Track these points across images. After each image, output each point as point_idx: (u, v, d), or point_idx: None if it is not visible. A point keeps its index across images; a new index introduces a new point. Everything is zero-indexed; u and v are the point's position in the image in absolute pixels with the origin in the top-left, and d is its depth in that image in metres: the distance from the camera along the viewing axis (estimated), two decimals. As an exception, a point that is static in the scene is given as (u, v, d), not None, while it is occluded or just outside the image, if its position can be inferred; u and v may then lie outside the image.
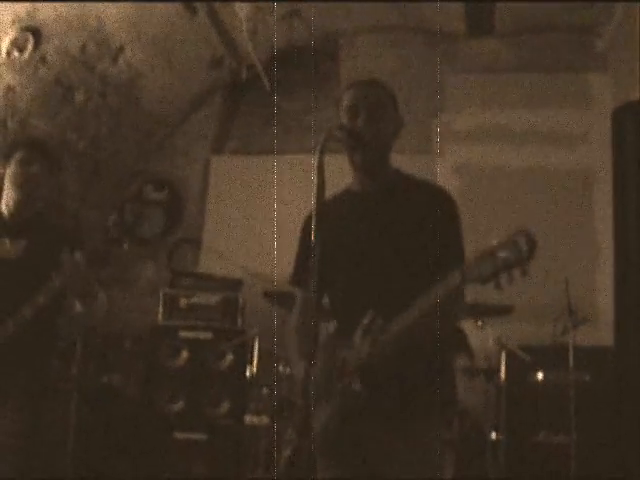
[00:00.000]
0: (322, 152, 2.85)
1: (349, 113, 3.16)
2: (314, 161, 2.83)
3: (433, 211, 3.06)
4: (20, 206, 4.18)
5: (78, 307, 4.04)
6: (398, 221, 3.10)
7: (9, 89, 6.41)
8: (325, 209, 2.92)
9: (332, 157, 2.96)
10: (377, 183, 3.20)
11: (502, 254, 2.58)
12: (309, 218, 3.05)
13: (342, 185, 3.32)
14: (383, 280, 2.90)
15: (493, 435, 5.84)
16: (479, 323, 5.95)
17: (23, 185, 4.14)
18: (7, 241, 4.13)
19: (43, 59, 6.45)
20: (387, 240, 3.08)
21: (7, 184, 4.19)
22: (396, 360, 2.94)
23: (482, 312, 5.76)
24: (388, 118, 3.19)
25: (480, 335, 6.02)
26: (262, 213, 7.55)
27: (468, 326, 5.81)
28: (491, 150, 7.31)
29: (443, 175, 6.99)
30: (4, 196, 4.23)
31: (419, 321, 2.83)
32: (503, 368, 5.96)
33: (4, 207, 4.22)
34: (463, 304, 3.11)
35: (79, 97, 6.89)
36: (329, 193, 3.01)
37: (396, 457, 3.00)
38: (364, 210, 3.19)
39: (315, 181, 2.82)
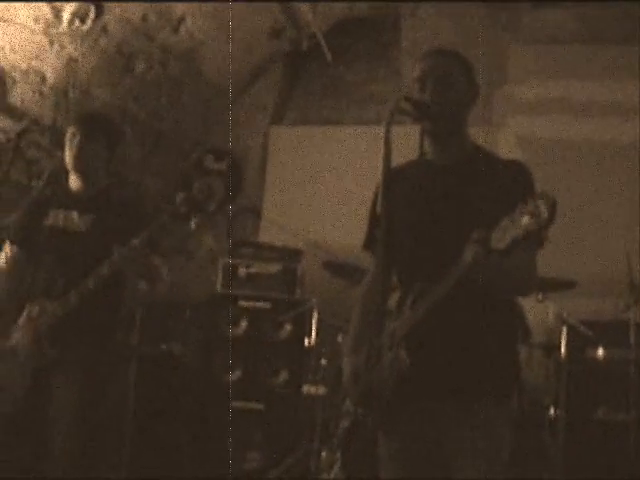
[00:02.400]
0: (389, 124, 2.84)
1: (418, 84, 3.13)
2: (381, 132, 2.84)
3: (510, 185, 3.03)
4: (81, 181, 4.22)
5: (142, 284, 4.09)
6: (472, 194, 3.07)
7: (71, 59, 6.44)
8: (396, 179, 2.95)
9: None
10: (451, 154, 3.18)
11: (524, 219, 2.56)
12: (385, 187, 3.03)
13: (408, 156, 3.30)
14: (451, 253, 2.86)
15: (552, 411, 5.79)
16: (539, 297, 5.88)
17: (81, 162, 4.18)
18: (76, 215, 4.18)
19: (104, 29, 6.46)
20: (459, 212, 3.06)
21: (67, 162, 4.24)
22: (454, 333, 2.97)
23: (543, 286, 5.71)
24: (460, 89, 3.14)
25: (540, 309, 5.95)
26: (321, 183, 7.53)
27: (528, 300, 5.75)
28: (554, 122, 7.19)
29: (505, 147, 6.91)
30: (70, 172, 4.29)
31: (459, 290, 2.83)
32: (563, 343, 5.89)
33: (71, 182, 4.27)
34: (535, 275, 3.11)
35: (140, 67, 6.90)
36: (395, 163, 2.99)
37: (456, 433, 3.00)
38: (437, 181, 3.17)
39: (382, 152, 2.83)
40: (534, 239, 2.64)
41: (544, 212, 2.53)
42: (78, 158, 4.17)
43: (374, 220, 3.33)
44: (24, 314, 4.10)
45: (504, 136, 7.16)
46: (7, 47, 6.19)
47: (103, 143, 4.23)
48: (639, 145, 6.99)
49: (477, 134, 3.28)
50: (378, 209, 2.93)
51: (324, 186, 7.48)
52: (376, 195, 3.28)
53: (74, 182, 4.25)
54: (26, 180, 6.38)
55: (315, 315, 6.38)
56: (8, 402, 4.04)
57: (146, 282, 4.11)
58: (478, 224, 2.80)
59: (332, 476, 5.64)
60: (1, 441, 4.09)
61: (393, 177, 2.92)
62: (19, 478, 4.04)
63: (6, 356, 4.07)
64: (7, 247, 4.32)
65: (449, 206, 3.10)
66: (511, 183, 3.04)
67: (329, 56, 7.72)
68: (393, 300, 3.22)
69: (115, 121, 4.66)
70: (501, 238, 2.63)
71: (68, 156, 4.20)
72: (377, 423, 3.02)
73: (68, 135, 4.21)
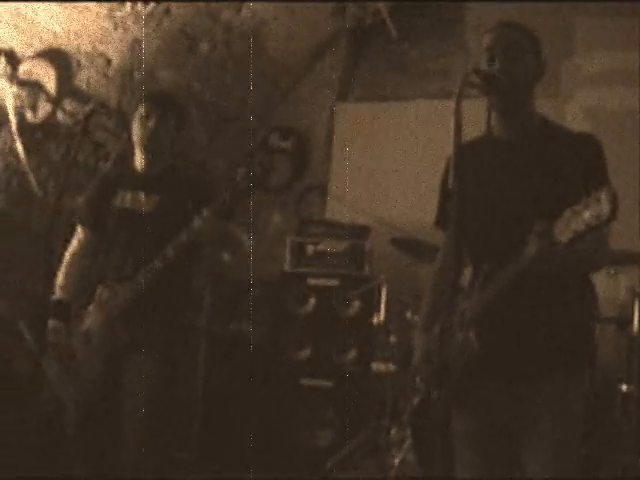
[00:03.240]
0: (460, 96, 2.81)
1: (486, 57, 3.10)
2: (447, 106, 2.83)
3: (581, 159, 3.00)
4: (148, 162, 4.24)
5: (225, 256, 4.11)
6: (542, 169, 3.04)
7: (135, 41, 6.48)
8: (465, 155, 2.91)
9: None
10: (519, 129, 3.14)
11: (586, 214, 2.52)
12: (449, 162, 3.02)
13: (472, 131, 3.25)
14: (521, 229, 2.83)
15: (624, 387, 5.70)
16: (611, 271, 5.77)
17: (146, 140, 4.20)
18: (142, 195, 4.20)
19: (167, 10, 6.49)
20: (529, 188, 3.04)
21: (135, 140, 4.26)
22: (524, 313, 2.96)
23: (615, 260, 5.62)
24: (528, 62, 3.11)
25: (612, 284, 5.86)
26: (388, 159, 7.49)
27: (599, 274, 5.66)
28: (621, 93, 7.05)
29: (572, 119, 6.80)
30: (135, 151, 4.31)
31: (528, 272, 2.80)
32: (636, 318, 5.79)
33: (137, 163, 4.29)
34: (607, 250, 3.08)
35: (204, 47, 6.92)
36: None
37: (528, 412, 3.00)
38: (505, 158, 3.15)
39: (453, 126, 2.80)
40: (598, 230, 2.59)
41: (606, 209, 2.48)
42: (151, 138, 4.17)
43: (445, 196, 3.32)
44: (95, 298, 4.13)
45: (571, 108, 7.04)
46: (72, 31, 6.25)
47: (172, 123, 4.24)
48: None
49: (544, 107, 3.24)
50: (449, 184, 2.89)
51: (390, 162, 7.44)
52: (446, 170, 3.27)
53: (139, 162, 4.27)
54: (93, 162, 6.46)
55: (384, 292, 6.35)
56: (83, 385, 4.08)
57: (227, 252, 4.13)
58: (549, 201, 2.80)
59: (402, 453, 5.64)
60: (77, 423, 4.12)
61: (462, 153, 2.87)
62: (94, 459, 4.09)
63: (80, 340, 4.10)
64: (79, 230, 4.35)
65: (518, 183, 3.08)
66: (582, 156, 3.01)
67: (394, 32, 7.66)
68: (465, 278, 3.21)
69: (181, 101, 4.66)
70: (564, 231, 2.60)
71: (139, 135, 4.20)
72: (448, 401, 3.00)
73: (138, 114, 4.22)
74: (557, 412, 2.97)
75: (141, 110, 4.21)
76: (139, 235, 4.11)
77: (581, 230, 2.54)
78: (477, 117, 3.19)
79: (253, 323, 6.69)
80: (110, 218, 4.22)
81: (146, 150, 4.20)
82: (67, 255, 4.30)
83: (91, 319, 4.11)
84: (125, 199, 4.23)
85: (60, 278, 4.24)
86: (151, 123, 4.16)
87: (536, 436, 2.97)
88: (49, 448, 4.27)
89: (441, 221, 3.40)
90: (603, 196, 2.48)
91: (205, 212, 3.86)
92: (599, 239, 2.93)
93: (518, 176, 3.08)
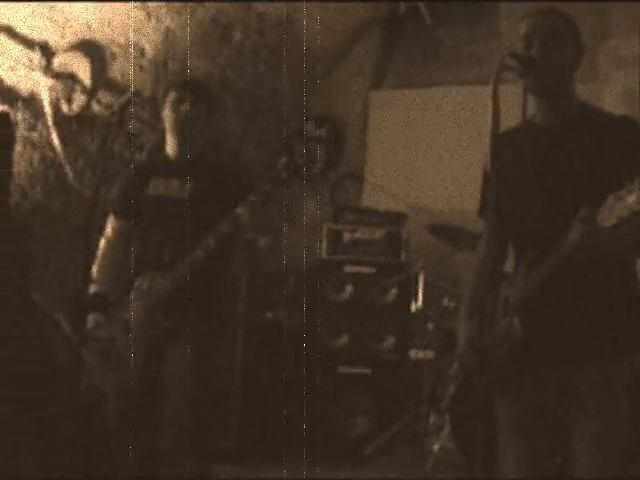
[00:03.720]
0: (497, 81, 2.78)
1: (524, 42, 3.07)
2: (482, 92, 2.80)
3: (622, 143, 2.96)
4: (180, 147, 4.24)
5: (262, 241, 4.11)
6: (583, 153, 3.01)
7: (168, 31, 6.49)
8: (504, 142, 2.90)
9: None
10: (557, 114, 3.11)
11: (630, 199, 2.50)
12: (494, 146, 2.99)
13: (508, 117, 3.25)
14: (564, 215, 2.82)
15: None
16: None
17: (177, 126, 4.20)
18: (176, 182, 4.20)
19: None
20: (570, 173, 3.01)
21: (166, 126, 4.26)
22: (568, 299, 2.94)
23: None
24: (566, 47, 3.08)
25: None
26: (423, 146, 7.47)
27: None
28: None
29: (610, 103, 6.73)
30: (167, 139, 4.31)
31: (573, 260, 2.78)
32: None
33: (169, 149, 4.29)
34: None
35: (237, 36, 6.92)
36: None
37: (573, 397, 2.98)
38: (545, 141, 3.11)
39: (486, 111, 2.77)
40: None
41: None
42: (184, 122, 4.18)
43: (487, 184, 3.30)
44: (135, 287, 4.14)
45: (609, 92, 6.97)
46: (105, 22, 6.27)
47: (204, 109, 4.24)
48: None
49: (582, 91, 3.21)
50: (487, 171, 2.88)
51: (426, 149, 7.41)
52: (487, 157, 3.25)
53: (171, 148, 4.27)
54: (129, 153, 6.47)
55: (421, 279, 6.34)
56: (123, 374, 4.10)
57: (269, 237, 4.13)
58: (591, 186, 2.77)
59: (441, 440, 5.64)
60: (117, 413, 4.16)
61: (502, 139, 2.85)
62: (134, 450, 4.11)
63: (119, 329, 4.12)
64: (112, 220, 4.36)
65: (559, 169, 3.05)
66: (623, 140, 2.97)
67: (428, 19, 7.62)
68: (509, 265, 3.20)
69: (212, 89, 4.66)
70: (607, 217, 2.58)
71: (171, 119, 4.21)
72: (491, 388, 2.99)
73: (169, 99, 4.22)
74: (601, 399, 2.95)
75: (172, 95, 4.22)
76: (175, 222, 4.11)
77: (625, 216, 2.52)
78: (512, 103, 3.17)
79: (290, 311, 6.69)
80: (144, 207, 4.23)
81: (178, 135, 4.20)
82: (101, 246, 4.31)
83: (131, 309, 4.12)
84: (158, 186, 4.23)
85: (95, 269, 4.25)
86: (183, 107, 4.17)
87: (581, 424, 2.96)
88: (89, 440, 4.29)
89: (484, 209, 3.38)
90: None
91: (249, 199, 3.87)
92: None
93: (559, 161, 3.06)
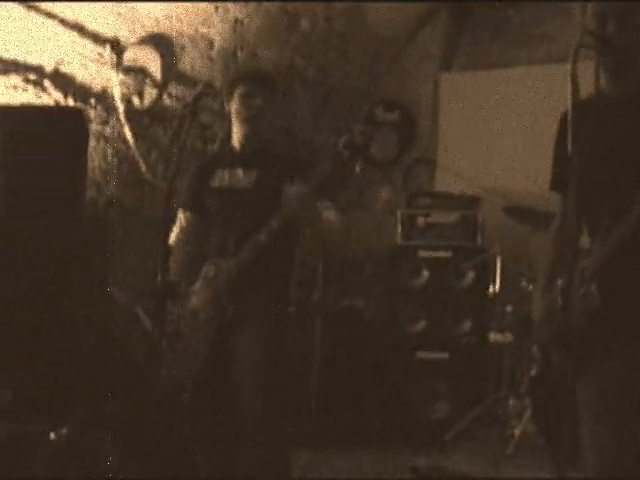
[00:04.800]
0: (575, 58, 2.78)
1: (597, 20, 3.04)
2: (553, 71, 2.77)
3: None
4: (248, 139, 4.24)
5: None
6: None
7: (237, 21, 6.52)
8: (578, 115, 2.87)
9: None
10: (629, 86, 3.10)
11: None
12: (562, 122, 3.03)
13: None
14: (637, 185, 2.83)
15: None
16: None
17: (247, 119, 4.19)
18: (241, 172, 4.21)
19: (268, -11, 6.52)
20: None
21: (234, 119, 4.26)
22: None
23: None
24: (638, 24, 3.03)
25: None
26: (495, 127, 7.38)
27: None
28: None
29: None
30: (234, 130, 4.31)
31: None
32: None
33: (235, 141, 4.30)
34: None
35: (305, 24, 6.92)
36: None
37: None
38: (617, 113, 3.10)
39: (569, 89, 2.78)
40: None
41: None
42: (256, 117, 4.17)
43: (559, 158, 3.26)
44: (201, 276, 4.16)
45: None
46: (174, 16, 6.32)
47: (271, 99, 4.24)
48: None
49: None
50: (564, 148, 2.85)
51: (498, 130, 7.33)
52: (559, 133, 3.23)
53: (238, 139, 4.27)
54: (201, 145, 6.52)
55: (498, 262, 6.28)
56: (194, 363, 4.11)
57: (308, 228, 4.10)
58: None
59: (522, 424, 5.58)
60: (192, 400, 4.17)
61: (574, 115, 2.84)
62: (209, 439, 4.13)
63: (188, 318, 4.14)
64: (181, 214, 4.38)
65: (629, 140, 3.04)
66: None
67: (497, -2, 7.53)
68: (584, 240, 3.15)
69: (277, 78, 4.65)
70: None
71: (242, 113, 4.20)
72: (572, 364, 2.95)
73: (239, 92, 4.22)
74: None
75: (242, 88, 4.21)
76: (239, 212, 4.11)
77: None
78: (581, 79, 3.14)
79: (366, 298, 6.68)
80: (209, 199, 4.24)
81: (250, 127, 4.20)
82: (172, 240, 4.33)
83: (198, 296, 4.14)
84: (223, 178, 4.23)
85: (170, 262, 4.27)
86: (257, 101, 4.16)
87: None
88: (169, 431, 4.33)
89: (557, 184, 3.34)
90: None
91: (295, 183, 3.86)
92: None
93: (629, 132, 3.05)
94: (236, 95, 4.22)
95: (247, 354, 3.99)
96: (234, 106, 4.23)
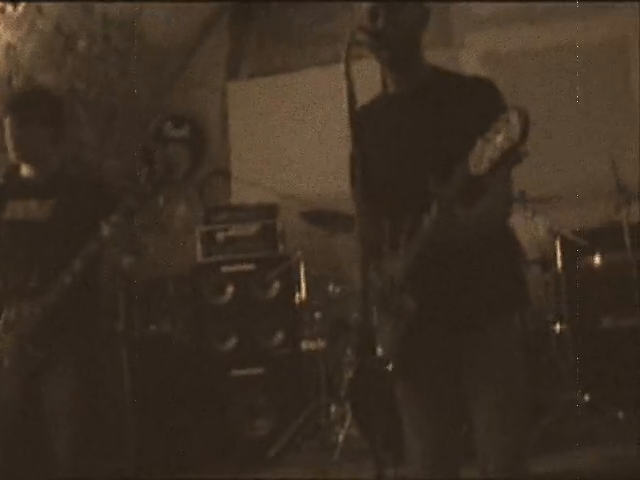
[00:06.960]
0: (347, 57, 2.75)
1: (369, 15, 3.01)
2: (342, 70, 2.73)
3: (478, 102, 2.94)
4: (32, 169, 4.05)
5: (125, 260, 3.97)
6: (441, 118, 2.99)
7: (9, 46, 6.28)
8: (364, 116, 2.92)
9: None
10: (413, 81, 3.08)
11: (498, 138, 2.44)
12: (353, 124, 2.95)
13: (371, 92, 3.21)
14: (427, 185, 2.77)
15: (557, 327, 5.70)
16: (528, 214, 5.70)
17: (21, 150, 4.01)
18: (34, 203, 4.01)
19: (39, 10, 6.30)
20: (431, 139, 2.99)
21: (10, 153, 4.05)
22: (452, 265, 2.92)
23: (530, 202, 5.60)
24: (411, 12, 3.03)
25: (530, 226, 5.78)
26: (287, 134, 7.39)
27: (517, 218, 5.59)
28: (515, 34, 6.98)
29: (467, 67, 6.73)
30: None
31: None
32: (559, 256, 5.77)
33: (23, 170, 4.09)
34: (510, 196, 3.07)
35: (82, 43, 6.71)
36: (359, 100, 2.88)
37: (471, 362, 3.00)
38: (401, 110, 3.10)
39: (344, 90, 2.73)
40: (512, 158, 2.53)
41: (516, 127, 2.41)
42: (17, 147, 3.99)
43: (353, 161, 3.23)
44: (1, 321, 3.93)
45: (466, 54, 6.99)
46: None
47: (42, 122, 4.02)
48: (607, 43, 6.78)
49: (438, 57, 3.21)
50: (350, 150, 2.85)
51: (290, 136, 7.34)
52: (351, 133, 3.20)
53: (25, 170, 4.08)
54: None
55: (302, 268, 6.25)
56: (4, 414, 3.93)
57: (132, 256, 3.98)
58: (455, 148, 2.69)
59: (345, 429, 5.57)
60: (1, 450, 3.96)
61: (361, 115, 2.86)
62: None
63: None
64: None
65: (418, 136, 3.03)
66: (478, 100, 2.96)
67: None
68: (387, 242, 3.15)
69: (52, 93, 4.44)
70: (479, 161, 2.52)
71: (9, 148, 4.01)
72: (396, 370, 2.99)
73: (5, 125, 4.02)
74: (498, 357, 2.98)
75: (6, 120, 4.01)
76: (39, 245, 3.95)
77: (496, 157, 2.46)
78: (372, 77, 3.12)
79: (173, 321, 6.54)
80: (2, 232, 4.02)
81: (19, 160, 4.02)
82: None
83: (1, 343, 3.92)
84: (16, 210, 4.03)
85: None
86: (12, 131, 3.97)
87: (483, 384, 2.98)
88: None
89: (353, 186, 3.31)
90: (513, 116, 2.41)
91: (113, 219, 3.74)
92: (503, 184, 2.94)
93: (417, 129, 3.04)
94: (7, 124, 4.01)
95: (60, 397, 3.87)
96: (6, 138, 4.02)
